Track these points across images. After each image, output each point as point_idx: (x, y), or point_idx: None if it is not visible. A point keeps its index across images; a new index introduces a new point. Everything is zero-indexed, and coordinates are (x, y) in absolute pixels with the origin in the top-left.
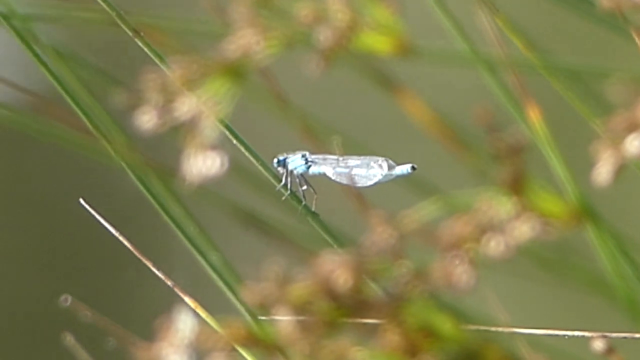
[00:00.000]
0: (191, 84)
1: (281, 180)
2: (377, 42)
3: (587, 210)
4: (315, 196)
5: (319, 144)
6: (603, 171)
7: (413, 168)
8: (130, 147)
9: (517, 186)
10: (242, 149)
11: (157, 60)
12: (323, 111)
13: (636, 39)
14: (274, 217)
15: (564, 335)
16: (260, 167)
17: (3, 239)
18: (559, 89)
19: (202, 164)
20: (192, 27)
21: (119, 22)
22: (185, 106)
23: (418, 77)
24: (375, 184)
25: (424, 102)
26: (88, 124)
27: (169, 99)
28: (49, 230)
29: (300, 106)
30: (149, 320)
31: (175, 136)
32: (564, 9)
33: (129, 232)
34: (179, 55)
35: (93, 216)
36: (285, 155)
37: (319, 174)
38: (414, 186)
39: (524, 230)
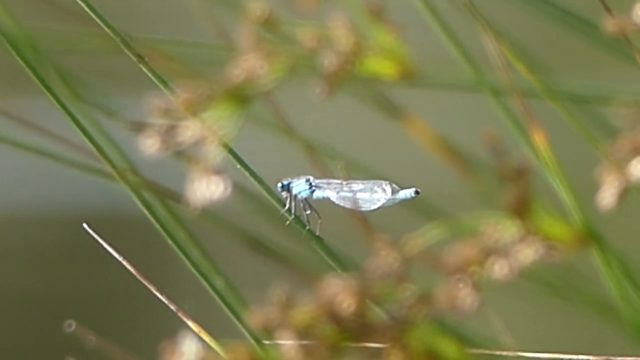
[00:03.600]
0: (195, 109)
1: (285, 205)
2: (381, 66)
3: (592, 234)
4: (319, 220)
5: (322, 169)
6: (607, 195)
7: (416, 192)
8: (134, 171)
9: (521, 209)
10: (246, 173)
11: (160, 85)
12: (327, 135)
13: None
14: (278, 241)
15: (569, 359)
16: (264, 192)
17: (7, 263)
18: (563, 114)
19: (206, 188)
20: (196, 51)
21: (123, 47)
22: (189, 131)
23: (422, 101)
24: (379, 207)
25: (428, 126)
26: (92, 148)
27: (172, 123)
28: (53, 256)
29: (304, 130)
30: (153, 345)
31: (179, 161)
32: (569, 33)
33: (133, 257)
34: (183, 80)
35: (97, 241)
36: (289, 179)
37: (323, 198)
38: (418, 210)
39: (528, 253)
